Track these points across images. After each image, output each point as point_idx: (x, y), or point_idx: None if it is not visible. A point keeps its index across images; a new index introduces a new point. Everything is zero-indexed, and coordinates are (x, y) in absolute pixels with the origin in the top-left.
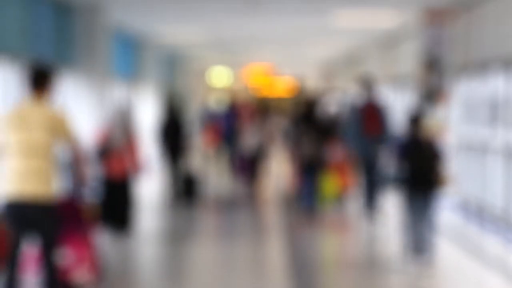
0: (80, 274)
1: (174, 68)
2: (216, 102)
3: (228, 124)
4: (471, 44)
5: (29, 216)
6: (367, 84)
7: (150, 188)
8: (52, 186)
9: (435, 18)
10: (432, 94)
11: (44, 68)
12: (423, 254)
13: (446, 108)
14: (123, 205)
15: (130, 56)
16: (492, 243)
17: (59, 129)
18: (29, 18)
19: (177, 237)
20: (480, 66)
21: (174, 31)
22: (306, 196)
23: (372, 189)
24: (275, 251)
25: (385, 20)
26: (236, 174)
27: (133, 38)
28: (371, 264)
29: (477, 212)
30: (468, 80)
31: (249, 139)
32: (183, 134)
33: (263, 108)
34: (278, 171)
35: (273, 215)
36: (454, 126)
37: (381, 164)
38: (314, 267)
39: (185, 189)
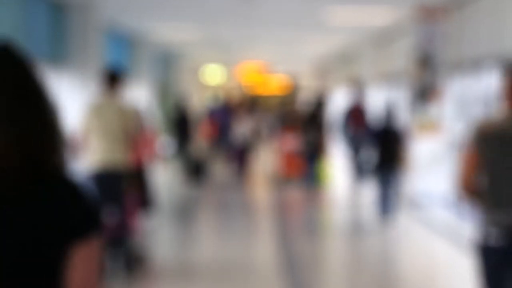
0: (131, 228)
1: (167, 66)
2: (210, 100)
3: (223, 119)
4: (464, 41)
5: (108, 180)
6: (357, 87)
7: (165, 172)
8: (123, 159)
9: (428, 15)
10: (425, 92)
11: (116, 71)
12: (387, 216)
13: (439, 106)
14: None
15: (124, 54)
16: None
17: (126, 118)
18: (23, 16)
19: (188, 210)
20: (473, 63)
21: (167, 29)
22: (309, 177)
23: (358, 170)
24: (266, 219)
25: (378, 17)
26: (230, 162)
27: (126, 36)
28: (351, 228)
29: (471, 209)
30: (461, 77)
31: (239, 132)
32: (190, 127)
33: (252, 105)
34: (265, 159)
35: (263, 192)
36: (447, 123)
37: (364, 152)
38: (300, 230)
39: (194, 171)
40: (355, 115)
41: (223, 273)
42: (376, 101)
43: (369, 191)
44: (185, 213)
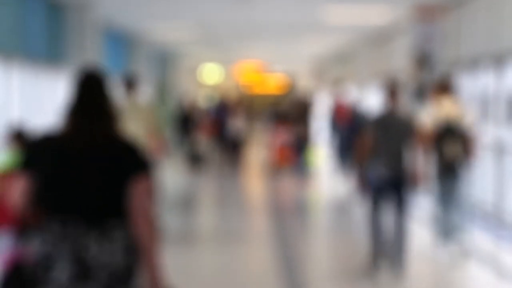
0: None
1: (165, 66)
2: (209, 99)
3: (222, 117)
4: (462, 40)
5: None
6: (339, 86)
7: (168, 162)
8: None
9: (426, 15)
10: (423, 91)
11: (132, 77)
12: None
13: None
14: None
15: (121, 53)
16: (483, 240)
17: (144, 115)
18: (20, 16)
19: (189, 193)
20: (470, 62)
21: (165, 29)
22: (299, 165)
23: (343, 158)
24: (259, 200)
25: (376, 16)
26: (225, 154)
27: (124, 36)
28: (334, 205)
29: (468, 209)
30: (459, 76)
31: (233, 126)
32: (191, 123)
33: (247, 104)
34: (259, 151)
35: (256, 179)
36: None
37: (348, 142)
38: (289, 207)
39: (194, 162)
40: (339, 111)
41: (222, 240)
42: (374, 100)
43: (350, 177)
44: (187, 195)
